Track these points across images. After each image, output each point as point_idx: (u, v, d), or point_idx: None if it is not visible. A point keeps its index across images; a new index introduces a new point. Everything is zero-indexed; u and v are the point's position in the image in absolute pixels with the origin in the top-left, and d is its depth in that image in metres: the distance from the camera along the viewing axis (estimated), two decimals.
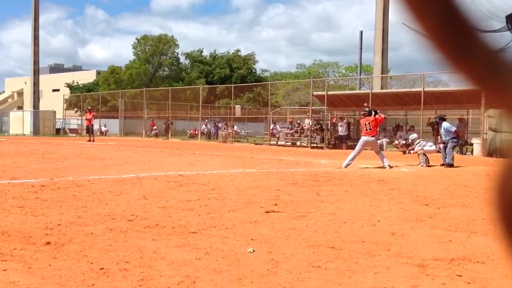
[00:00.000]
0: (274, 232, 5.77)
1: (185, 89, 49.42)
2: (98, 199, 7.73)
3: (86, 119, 32.87)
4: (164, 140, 37.03)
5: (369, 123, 14.50)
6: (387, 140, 27.26)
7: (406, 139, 17.57)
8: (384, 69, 32.30)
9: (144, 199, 7.85)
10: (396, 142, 20.27)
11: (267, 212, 6.95)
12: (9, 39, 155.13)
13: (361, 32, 40.03)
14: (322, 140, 29.07)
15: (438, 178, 12.07)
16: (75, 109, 54.03)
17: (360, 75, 43.92)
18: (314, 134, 29.63)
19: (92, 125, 32.16)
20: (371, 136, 14.52)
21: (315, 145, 28.99)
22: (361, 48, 40.04)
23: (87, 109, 34.35)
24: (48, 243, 4.99)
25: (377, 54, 32.04)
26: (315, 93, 31.73)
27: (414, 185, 10.64)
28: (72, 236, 5.27)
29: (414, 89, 28.87)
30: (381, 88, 30.87)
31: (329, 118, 30.42)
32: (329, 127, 29.60)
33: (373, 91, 28.66)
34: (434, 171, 14.09)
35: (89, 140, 30.05)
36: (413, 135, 17.25)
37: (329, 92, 30.22)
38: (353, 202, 8.09)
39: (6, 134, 44.44)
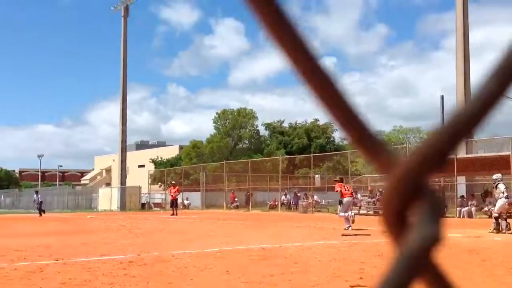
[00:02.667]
0: None
1: (264, 161, 50.06)
2: (183, 274, 7.83)
3: (171, 194, 33.55)
4: (245, 211, 37.27)
5: (345, 187, 17.34)
6: (476, 207, 26.04)
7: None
8: None
9: (228, 274, 7.87)
10: (486, 209, 19.32)
11: (352, 287, 6.76)
12: (98, 119, 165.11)
13: (442, 97, 39.40)
14: None
15: None
16: (159, 183, 55.83)
17: None
18: None
19: (176, 199, 32.87)
20: (350, 197, 17.34)
21: None
22: (442, 112, 39.25)
23: (171, 184, 35.17)
24: None
25: None
26: None
27: (507, 255, 10.03)
28: None
29: (502, 153, 27.66)
30: (466, 153, 29.85)
31: None
32: None
33: (458, 156, 27.77)
34: None
35: (173, 214, 30.62)
36: (497, 175, 16.33)
37: None
38: None
39: (95, 210, 46.43)
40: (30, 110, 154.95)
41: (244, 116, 62.68)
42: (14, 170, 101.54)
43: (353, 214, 17.17)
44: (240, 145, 63.23)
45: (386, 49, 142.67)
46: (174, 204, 32.03)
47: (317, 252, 10.52)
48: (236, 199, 42.56)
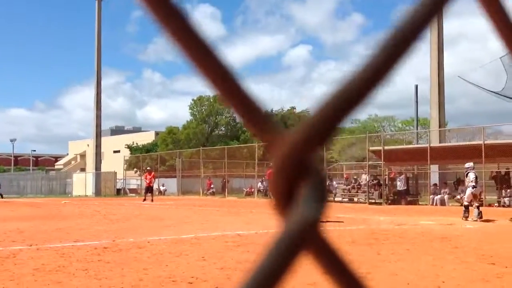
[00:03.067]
0: None
1: (241, 148, 50.06)
2: (159, 260, 7.83)
3: (146, 180, 33.21)
4: (221, 198, 37.33)
5: None
6: (448, 195, 26.50)
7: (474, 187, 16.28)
8: (441, 123, 31.79)
9: (203, 260, 7.89)
10: (458, 197, 19.69)
11: None
12: (72, 104, 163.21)
13: (416, 86, 39.83)
14: (380, 196, 28.54)
15: (504, 234, 11.59)
16: (135, 169, 55.51)
17: (417, 129, 43.34)
18: (372, 189, 29.16)
19: (152, 186, 32.69)
20: None
21: (373, 201, 28.47)
22: (416, 102, 39.73)
23: (147, 170, 34.79)
24: None
25: (433, 107, 31.66)
26: (371, 148, 31.44)
27: (479, 242, 10.25)
28: None
29: (474, 142, 28.15)
30: (440, 142, 30.29)
31: (387, 173, 29.92)
32: (386, 182, 29.08)
33: (431, 145, 28.17)
34: (498, 226, 13.54)
35: (144, 199, 30.54)
36: (469, 164, 16.53)
37: (386, 147, 29.90)
38: (416, 261, 7.85)
39: (69, 195, 45.99)
40: (1, 94, 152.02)
41: (220, 103, 62.43)
42: None
43: None
44: (217, 132, 63.12)
45: (362, 38, 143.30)
46: (149, 190, 31.86)
47: None
48: (212, 186, 42.55)
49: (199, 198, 38.58)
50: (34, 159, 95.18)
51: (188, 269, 7.15)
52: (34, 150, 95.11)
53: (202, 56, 0.38)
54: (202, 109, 62.94)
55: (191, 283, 6.23)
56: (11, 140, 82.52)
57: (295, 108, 64.58)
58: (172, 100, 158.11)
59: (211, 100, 62.64)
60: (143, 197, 31.85)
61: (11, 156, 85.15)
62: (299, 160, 0.36)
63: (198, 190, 42.65)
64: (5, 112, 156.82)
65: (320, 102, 0.39)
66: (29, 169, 78.60)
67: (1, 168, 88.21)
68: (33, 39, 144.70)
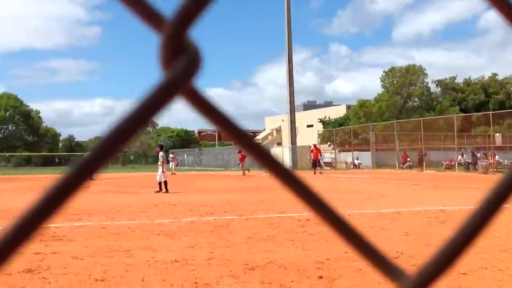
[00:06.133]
0: None
1: (437, 119, 47.72)
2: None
3: (312, 153, 36.23)
4: (418, 172, 36.13)
5: None
6: None
7: None
8: None
9: (406, 235, 7.76)
10: None
11: None
12: (264, 81, 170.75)
13: None
14: None
15: None
16: (328, 143, 56.32)
17: None
18: None
19: (318, 160, 35.47)
20: None
21: None
22: None
23: (313, 145, 37.97)
24: (321, 277, 5.28)
25: None
26: None
27: None
28: (343, 272, 5.49)
29: None
30: None
31: None
32: None
33: None
34: None
35: (314, 173, 33.22)
36: None
37: None
38: None
39: None
40: (202, 76, 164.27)
41: (413, 74, 60.13)
42: (193, 131, 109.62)
43: None
44: (410, 103, 60.95)
45: None
46: (316, 164, 34.59)
47: (504, 216, 9.88)
48: (408, 159, 41.41)
49: (395, 171, 37.82)
50: None
51: (392, 244, 7.09)
52: None
53: None
54: (393, 81, 61.22)
55: (396, 258, 6.18)
56: None
57: (497, 75, 59.40)
58: (360, 73, 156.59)
59: (403, 71, 60.59)
60: (313, 171, 34.28)
61: (215, 132, 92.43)
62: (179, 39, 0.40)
63: (393, 164, 41.84)
64: (207, 92, 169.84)
65: None
66: (231, 144, 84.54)
67: (206, 143, 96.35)
68: (227, 22, 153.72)
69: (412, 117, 51.86)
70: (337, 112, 70.86)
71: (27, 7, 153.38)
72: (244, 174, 33.79)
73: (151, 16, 0.40)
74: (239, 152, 36.32)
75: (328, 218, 0.47)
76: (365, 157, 46.18)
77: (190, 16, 0.39)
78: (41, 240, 7.47)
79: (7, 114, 77.01)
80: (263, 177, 29.90)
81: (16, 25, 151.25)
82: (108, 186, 21.61)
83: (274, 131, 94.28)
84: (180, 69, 0.39)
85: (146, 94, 0.38)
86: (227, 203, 13.02)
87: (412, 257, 6.19)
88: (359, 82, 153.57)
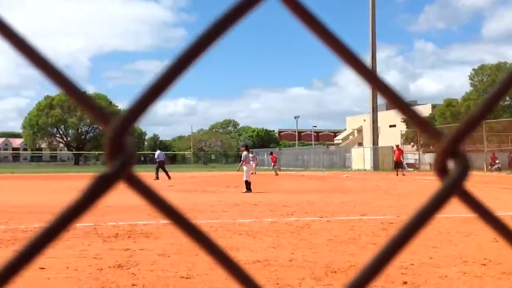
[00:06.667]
0: None
1: None
2: (447, 239, 7.66)
3: (394, 154, 36.04)
4: (508, 174, 34.39)
5: None
6: None
7: None
8: None
9: (495, 242, 7.44)
10: None
11: None
12: (346, 81, 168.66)
13: None
14: None
15: None
16: (412, 143, 54.86)
17: None
18: None
19: (400, 161, 34.86)
20: None
21: None
22: None
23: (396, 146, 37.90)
24: (405, 282, 5.18)
25: None
26: None
27: None
28: (427, 277, 5.36)
29: None
30: None
31: None
32: None
33: None
34: None
35: (397, 174, 32.39)
36: None
37: None
38: None
39: (349, 169, 47.90)
40: (282, 75, 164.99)
41: (504, 71, 57.34)
42: (274, 130, 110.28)
43: None
44: (500, 103, 58.15)
45: None
46: (398, 165, 34.00)
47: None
48: (497, 161, 39.54)
49: (483, 174, 36.21)
50: (315, 134, 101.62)
51: (480, 250, 6.83)
52: (315, 126, 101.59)
53: None
54: (483, 79, 58.67)
55: (484, 265, 5.96)
56: (295, 117, 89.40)
57: None
58: (447, 71, 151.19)
59: (494, 69, 57.94)
60: (395, 172, 33.59)
61: (295, 132, 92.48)
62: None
63: (480, 166, 40.08)
64: (287, 91, 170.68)
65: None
66: (311, 144, 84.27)
67: (286, 143, 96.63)
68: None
69: (503, 117, 49.46)
70: (422, 111, 68.40)
71: (117, 9, 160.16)
72: (277, 174, 35.70)
73: (99, 116, 0.48)
74: (271, 154, 41.94)
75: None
76: None
77: (128, 123, 0.47)
78: (129, 236, 7.83)
79: None
80: (343, 178, 29.59)
81: (107, 27, 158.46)
82: (191, 185, 22.22)
83: (355, 131, 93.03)
84: (118, 165, 0.46)
85: (91, 181, 0.46)
86: (307, 204, 13.02)
87: (500, 264, 5.93)
88: (445, 80, 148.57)
